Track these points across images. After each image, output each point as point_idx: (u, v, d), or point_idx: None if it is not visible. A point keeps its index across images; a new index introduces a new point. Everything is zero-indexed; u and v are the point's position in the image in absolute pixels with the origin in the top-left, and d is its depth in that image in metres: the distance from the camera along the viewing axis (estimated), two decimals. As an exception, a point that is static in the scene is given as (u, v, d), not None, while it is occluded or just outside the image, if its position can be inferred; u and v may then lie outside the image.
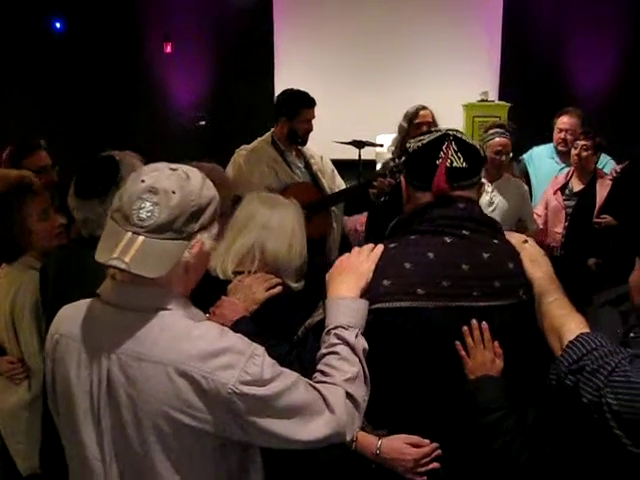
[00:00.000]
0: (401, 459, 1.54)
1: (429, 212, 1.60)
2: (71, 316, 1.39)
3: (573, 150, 4.01)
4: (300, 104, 3.62)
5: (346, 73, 7.60)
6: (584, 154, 3.95)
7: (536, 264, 1.59)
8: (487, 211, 3.19)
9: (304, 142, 3.70)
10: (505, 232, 1.69)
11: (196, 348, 1.23)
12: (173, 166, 1.31)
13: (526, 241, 1.67)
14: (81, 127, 7.04)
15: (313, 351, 1.49)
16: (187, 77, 7.76)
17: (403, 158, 3.36)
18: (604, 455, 1.35)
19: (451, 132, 1.66)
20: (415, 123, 3.81)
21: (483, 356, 1.52)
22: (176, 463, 1.27)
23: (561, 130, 4.42)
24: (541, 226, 4.06)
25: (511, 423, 1.50)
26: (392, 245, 1.59)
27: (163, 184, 1.25)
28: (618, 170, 4.07)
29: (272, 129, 3.75)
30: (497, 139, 3.59)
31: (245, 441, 1.31)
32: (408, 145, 1.69)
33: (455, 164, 1.60)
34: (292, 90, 3.74)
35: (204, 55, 7.75)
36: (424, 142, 1.65)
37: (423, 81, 7.37)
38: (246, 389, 1.21)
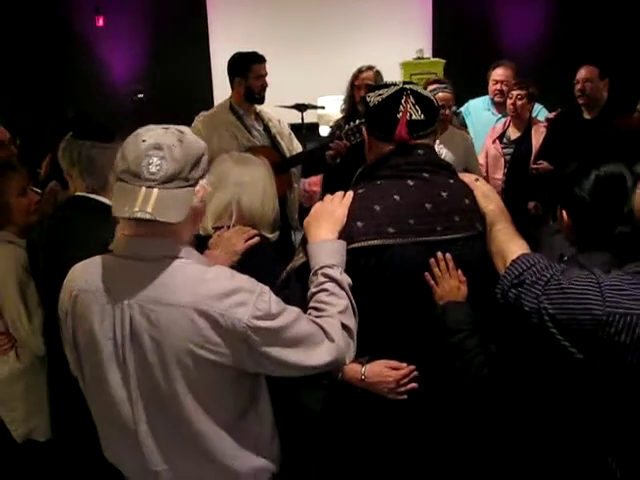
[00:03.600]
0: (384, 382, 1.70)
1: (392, 159, 1.74)
2: (87, 271, 1.48)
3: (508, 100, 4.22)
4: (250, 61, 3.75)
5: (283, 37, 7.59)
6: (519, 103, 4.16)
7: (488, 199, 1.77)
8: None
9: (262, 99, 3.79)
10: (458, 173, 1.85)
11: (211, 289, 1.37)
12: (164, 126, 1.42)
13: (477, 179, 1.85)
14: (12, 103, 6.80)
15: (297, 291, 1.65)
16: (121, 51, 7.64)
17: (358, 121, 3.49)
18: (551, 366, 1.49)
19: (408, 86, 1.77)
20: (356, 85, 3.93)
21: (449, 284, 1.68)
22: (198, 395, 1.42)
23: (497, 82, 4.62)
24: (484, 174, 4.26)
25: (474, 343, 1.65)
26: (360, 191, 1.74)
27: (164, 140, 1.36)
28: (551, 117, 4.31)
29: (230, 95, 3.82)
30: (440, 94, 3.73)
31: (258, 372, 1.47)
32: (368, 99, 1.80)
33: (414, 117, 1.72)
34: (241, 52, 3.85)
35: (137, 28, 7.62)
36: (383, 97, 1.76)
37: (361, 42, 7.45)
38: (258, 323, 1.37)
